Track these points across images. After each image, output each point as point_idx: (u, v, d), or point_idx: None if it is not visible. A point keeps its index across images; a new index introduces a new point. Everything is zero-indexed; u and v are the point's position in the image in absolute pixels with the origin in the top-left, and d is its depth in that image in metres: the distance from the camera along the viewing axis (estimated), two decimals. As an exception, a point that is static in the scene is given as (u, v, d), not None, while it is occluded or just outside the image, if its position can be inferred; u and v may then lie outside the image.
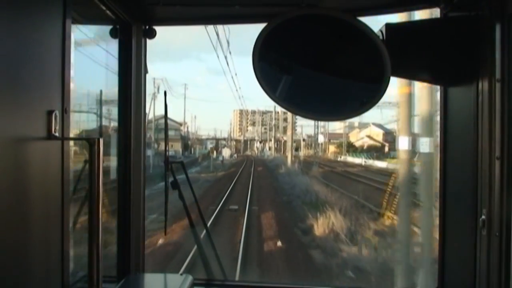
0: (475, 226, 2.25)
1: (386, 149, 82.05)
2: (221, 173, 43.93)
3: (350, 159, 71.43)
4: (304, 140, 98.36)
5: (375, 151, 75.85)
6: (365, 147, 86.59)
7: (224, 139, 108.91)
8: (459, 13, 2.46)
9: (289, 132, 62.66)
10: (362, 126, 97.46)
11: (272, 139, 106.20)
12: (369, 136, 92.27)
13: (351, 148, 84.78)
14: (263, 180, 37.27)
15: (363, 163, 60.15)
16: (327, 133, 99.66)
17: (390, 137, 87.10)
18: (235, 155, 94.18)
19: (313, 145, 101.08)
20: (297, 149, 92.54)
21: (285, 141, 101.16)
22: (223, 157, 68.31)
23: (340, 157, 77.87)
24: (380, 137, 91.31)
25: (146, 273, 3.02)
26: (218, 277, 3.18)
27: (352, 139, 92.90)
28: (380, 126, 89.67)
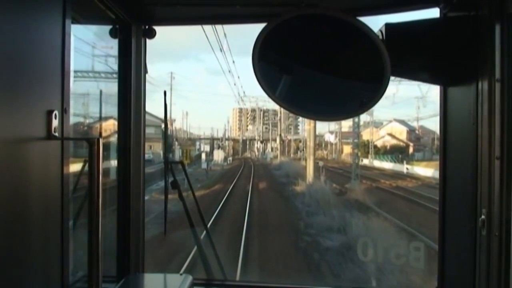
0: (474, 226, 2.25)
1: (411, 149, 70.96)
2: (197, 193, 13.44)
3: (377, 163, 59.57)
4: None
5: (399, 153, 64.55)
6: (388, 147, 72.82)
7: (218, 138, 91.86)
8: (458, 13, 2.46)
9: (308, 126, 39.48)
10: (378, 123, 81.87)
11: (277, 138, 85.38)
12: (391, 135, 76.70)
13: (373, 149, 69.83)
14: (274, 230, 16.53)
15: (405, 171, 45.13)
16: (338, 132, 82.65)
17: (413, 135, 77.40)
18: (230, 158, 77.28)
19: (322, 145, 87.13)
20: (302, 150, 79.70)
21: (289, 141, 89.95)
22: (207, 163, 47.68)
23: (362, 161, 63.02)
24: (403, 136, 77.62)
25: (146, 273, 3.02)
26: (217, 277, 3.18)
27: (368, 137, 75.54)
28: (402, 122, 77.68)
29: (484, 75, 2.22)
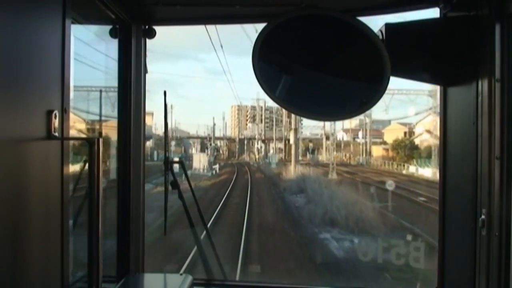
0: (474, 226, 2.25)
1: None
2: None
3: (428, 173, 38.69)
4: (328, 139, 54.12)
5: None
6: (426, 148, 48.71)
7: (206, 138, 69.93)
8: (458, 13, 2.46)
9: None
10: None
11: (291, 134, 49.83)
12: (428, 131, 51.47)
13: (406, 152, 50.75)
14: None
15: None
16: (367, 128, 58.49)
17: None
18: (217, 166, 50.55)
19: (342, 145, 62.08)
20: (313, 151, 65.86)
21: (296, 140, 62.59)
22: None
23: (400, 167, 46.23)
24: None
25: (146, 273, 3.02)
26: (217, 277, 3.18)
27: (392, 136, 55.48)
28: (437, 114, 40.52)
29: (484, 75, 2.22)
